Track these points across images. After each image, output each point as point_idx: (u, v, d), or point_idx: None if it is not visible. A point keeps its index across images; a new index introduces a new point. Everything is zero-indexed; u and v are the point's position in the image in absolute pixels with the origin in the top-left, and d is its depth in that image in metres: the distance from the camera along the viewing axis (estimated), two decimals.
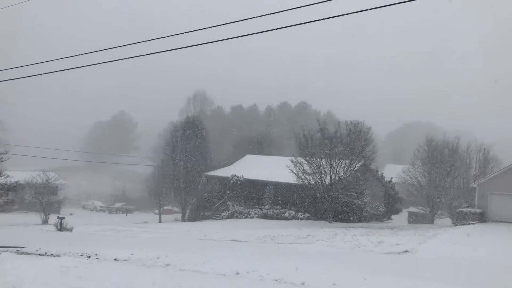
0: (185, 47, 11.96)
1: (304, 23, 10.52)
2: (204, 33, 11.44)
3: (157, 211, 54.86)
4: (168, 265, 13.00)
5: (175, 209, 58.63)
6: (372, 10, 9.54)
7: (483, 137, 52.29)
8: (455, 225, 31.04)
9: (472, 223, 30.22)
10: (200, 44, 11.80)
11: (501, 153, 45.46)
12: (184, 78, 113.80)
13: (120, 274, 11.07)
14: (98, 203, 72.22)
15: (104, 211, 69.24)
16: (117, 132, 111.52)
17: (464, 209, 32.27)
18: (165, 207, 56.08)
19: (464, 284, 11.88)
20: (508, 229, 27.48)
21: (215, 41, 11.52)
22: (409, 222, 41.67)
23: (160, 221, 49.09)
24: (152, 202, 57.65)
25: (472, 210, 31.79)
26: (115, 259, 13.65)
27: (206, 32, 11.41)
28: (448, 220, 35.97)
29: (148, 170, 67.01)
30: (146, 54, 12.44)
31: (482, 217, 31.23)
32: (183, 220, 47.89)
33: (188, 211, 48.87)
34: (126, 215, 64.97)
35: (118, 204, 71.58)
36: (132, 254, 14.54)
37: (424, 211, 40.14)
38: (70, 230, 26.17)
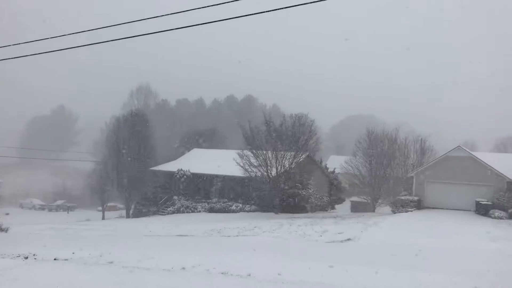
0: (125, 37, 11.63)
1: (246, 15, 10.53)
2: (147, 24, 11.18)
3: (100, 208, 53.22)
4: (111, 262, 12.70)
5: (119, 205, 57.17)
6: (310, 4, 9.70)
7: (420, 129, 55.13)
8: (395, 213, 32.44)
9: (410, 210, 31.74)
10: (142, 34, 11.51)
11: (436, 144, 48.10)
12: (127, 71, 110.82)
13: (60, 274, 10.67)
14: (37, 201, 68.99)
15: (43, 209, 66.26)
16: (57, 127, 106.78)
17: (402, 197, 33.83)
18: (109, 204, 54.52)
19: (400, 268, 12.48)
20: (442, 215, 29.16)
21: (156, 32, 11.28)
22: (352, 211, 42.99)
23: (103, 218, 47.72)
24: (95, 199, 55.85)
25: (410, 198, 33.39)
26: (55, 259, 13.14)
27: (149, 23, 11.16)
28: (388, 208, 37.51)
29: (90, 166, 64.76)
30: (83, 45, 11.97)
31: (419, 204, 32.88)
32: (128, 216, 46.81)
33: (133, 207, 47.76)
34: (68, 213, 62.55)
35: (59, 202, 68.72)
36: (73, 253, 14.08)
37: (365, 200, 41.63)
38: (6, 230, 24.74)
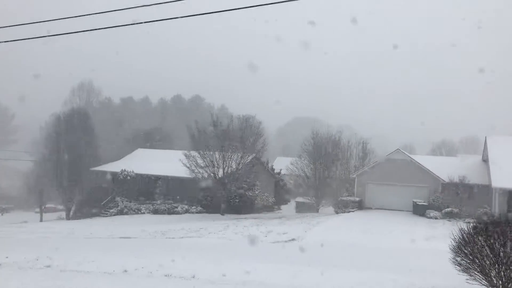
0: (63, 33, 11.19)
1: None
2: (86, 20, 10.82)
3: (38, 209, 50.83)
4: (48, 266, 12.18)
5: (59, 207, 54.84)
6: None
7: (362, 132, 57.02)
8: (337, 213, 33.35)
9: (352, 211, 32.77)
10: (84, 31, 11.12)
11: (377, 147, 49.99)
12: (68, 67, 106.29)
13: None
14: None
15: None
16: None
17: (345, 198, 34.87)
18: (48, 205, 52.15)
19: (340, 266, 12.87)
20: (381, 215, 30.35)
21: (94, 29, 10.94)
22: (297, 211, 43.70)
23: (41, 220, 45.55)
24: (32, 200, 53.26)
25: (352, 198, 34.48)
26: None
27: (89, 19, 10.80)
28: (331, 209, 38.49)
29: (28, 166, 61.64)
30: (12, 41, 11.34)
31: (360, 205, 34.03)
32: (68, 218, 45.00)
33: (73, 208, 46.05)
34: (2, 214, 59.15)
35: None
36: (6, 257, 13.35)
37: (310, 201, 42.51)
38: None
